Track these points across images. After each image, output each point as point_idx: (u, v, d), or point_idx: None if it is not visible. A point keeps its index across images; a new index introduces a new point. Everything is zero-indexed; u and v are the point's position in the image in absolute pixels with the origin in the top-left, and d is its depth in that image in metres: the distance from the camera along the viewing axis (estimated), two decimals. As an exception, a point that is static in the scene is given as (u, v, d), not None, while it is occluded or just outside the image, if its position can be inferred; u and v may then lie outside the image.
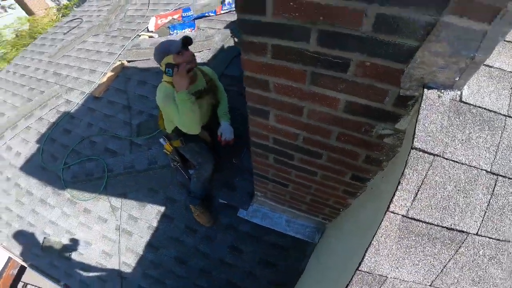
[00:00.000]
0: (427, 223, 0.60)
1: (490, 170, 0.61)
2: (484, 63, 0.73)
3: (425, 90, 0.68)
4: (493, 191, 0.60)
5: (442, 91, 0.68)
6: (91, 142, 2.89)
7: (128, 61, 3.40)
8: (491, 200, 0.60)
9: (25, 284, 7.16)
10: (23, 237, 2.88)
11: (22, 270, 7.02)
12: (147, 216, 2.47)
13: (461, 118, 0.64)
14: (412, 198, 0.59)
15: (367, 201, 1.05)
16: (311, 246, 1.98)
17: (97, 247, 2.58)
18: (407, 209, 0.60)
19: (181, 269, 2.31)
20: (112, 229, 2.56)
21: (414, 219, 0.60)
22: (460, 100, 0.66)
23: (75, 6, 13.34)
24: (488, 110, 0.65)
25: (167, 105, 1.81)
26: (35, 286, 7.21)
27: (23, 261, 2.90)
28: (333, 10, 0.62)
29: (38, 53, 4.30)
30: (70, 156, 2.89)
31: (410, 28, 0.59)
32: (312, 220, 1.92)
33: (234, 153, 2.28)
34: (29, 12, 13.94)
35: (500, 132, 0.63)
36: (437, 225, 0.60)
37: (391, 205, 0.60)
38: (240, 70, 2.48)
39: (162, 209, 2.46)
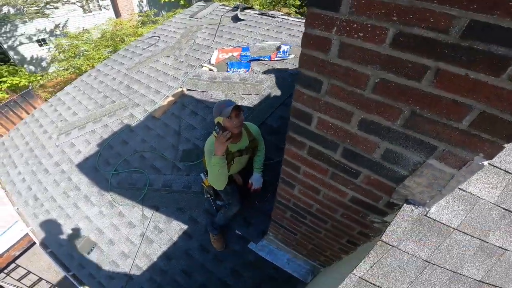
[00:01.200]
0: (373, 284, 0.90)
1: (426, 259, 0.91)
2: (460, 188, 1.05)
3: (405, 204, 1.01)
4: (422, 271, 0.90)
5: (416, 206, 1.01)
6: (141, 156, 3.35)
7: (188, 89, 3.78)
8: (419, 276, 0.90)
9: (17, 266, 7.74)
10: (55, 226, 3.28)
11: (21, 254, 7.57)
12: (170, 230, 2.82)
13: (421, 226, 0.96)
14: (369, 268, 0.91)
15: (342, 265, 1.36)
16: (301, 284, 2.21)
17: (118, 248, 2.93)
18: (363, 274, 0.92)
19: (184, 280, 2.59)
20: (137, 235, 2.92)
21: (366, 280, 0.91)
22: (426, 215, 0.98)
23: (153, 15, 14.89)
24: (443, 223, 0.96)
25: (208, 158, 2.10)
26: (26, 269, 7.78)
27: (43, 247, 3.23)
28: (358, 137, 0.96)
29: (119, 64, 4.80)
30: (121, 165, 3.36)
31: (405, 163, 0.91)
32: (309, 263, 2.19)
33: (259, 196, 2.61)
34: (117, 14, 15.65)
35: (444, 238, 0.94)
36: (379, 286, 0.90)
37: (354, 270, 0.92)
38: (279, 122, 3.00)
39: (185, 227, 2.80)
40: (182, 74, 4.09)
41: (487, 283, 0.89)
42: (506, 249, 0.92)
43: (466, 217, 0.97)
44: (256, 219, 2.58)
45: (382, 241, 0.95)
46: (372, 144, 0.93)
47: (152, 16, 14.53)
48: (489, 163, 1.05)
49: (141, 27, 12.70)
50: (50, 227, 3.30)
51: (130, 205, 3.07)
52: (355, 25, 0.73)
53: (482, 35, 0.59)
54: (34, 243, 3.19)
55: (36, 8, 11.87)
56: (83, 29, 13.16)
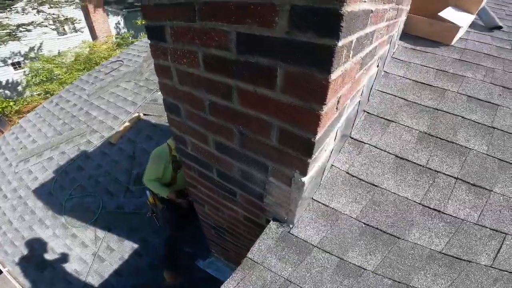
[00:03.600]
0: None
1: (287, 278, 0.90)
2: (322, 203, 1.07)
3: (271, 221, 1.03)
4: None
5: (281, 223, 1.03)
6: (96, 181, 3.35)
7: (144, 114, 3.80)
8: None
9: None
10: (12, 247, 3.23)
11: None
12: (122, 249, 2.81)
13: (284, 243, 0.97)
14: (235, 285, 0.90)
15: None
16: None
17: (71, 266, 2.89)
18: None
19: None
20: (89, 254, 2.89)
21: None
22: (289, 232, 1.00)
23: (131, 37, 14.81)
24: (304, 240, 0.97)
25: (154, 163, 2.23)
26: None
27: (2, 267, 3.19)
28: (219, 158, 0.97)
29: (80, 90, 4.80)
30: (76, 189, 3.35)
31: (256, 181, 0.94)
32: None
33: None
34: (94, 36, 15.30)
35: (304, 256, 0.94)
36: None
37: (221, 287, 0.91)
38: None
39: (135, 246, 2.80)
40: (140, 98, 4.15)
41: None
42: (365, 269, 0.92)
43: (326, 234, 0.98)
44: (203, 237, 2.57)
45: (248, 257, 0.96)
46: (229, 164, 0.96)
47: (130, 38, 14.60)
48: (354, 176, 1.09)
49: (116, 49, 12.71)
50: (7, 247, 3.25)
51: (83, 227, 3.03)
52: (179, 52, 0.78)
53: (249, 47, 0.61)
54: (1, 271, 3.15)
55: (7, 31, 11.61)
56: (58, 52, 13.02)
